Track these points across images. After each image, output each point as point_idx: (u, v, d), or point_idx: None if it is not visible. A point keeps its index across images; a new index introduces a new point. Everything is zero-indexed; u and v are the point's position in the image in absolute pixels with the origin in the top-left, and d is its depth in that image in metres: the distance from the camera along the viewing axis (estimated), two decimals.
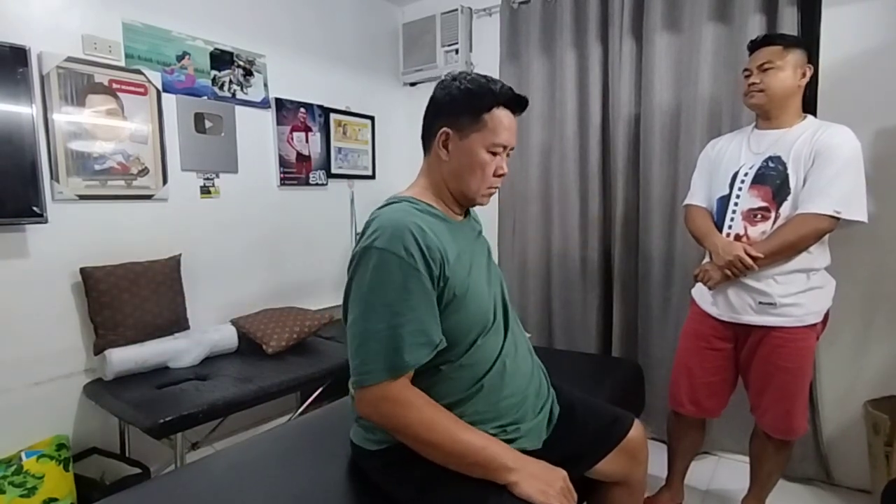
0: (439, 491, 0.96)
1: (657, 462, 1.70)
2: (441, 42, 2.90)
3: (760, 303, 1.46)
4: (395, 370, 0.90)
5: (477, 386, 1.01)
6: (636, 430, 1.17)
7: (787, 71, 1.45)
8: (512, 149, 1.08)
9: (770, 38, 1.50)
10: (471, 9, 2.85)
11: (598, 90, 2.38)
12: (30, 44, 1.67)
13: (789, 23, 1.88)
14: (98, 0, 1.91)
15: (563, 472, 0.97)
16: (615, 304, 2.39)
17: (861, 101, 1.84)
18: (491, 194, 1.09)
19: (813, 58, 1.84)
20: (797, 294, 1.44)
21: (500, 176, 1.06)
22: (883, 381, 1.87)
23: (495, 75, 2.59)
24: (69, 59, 1.82)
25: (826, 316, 1.51)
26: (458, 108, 1.02)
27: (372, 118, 3.04)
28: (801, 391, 1.50)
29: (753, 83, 1.49)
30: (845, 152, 1.38)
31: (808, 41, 1.77)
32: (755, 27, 1.94)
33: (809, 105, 1.91)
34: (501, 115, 1.02)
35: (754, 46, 1.52)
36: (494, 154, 1.03)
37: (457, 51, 2.85)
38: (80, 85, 1.86)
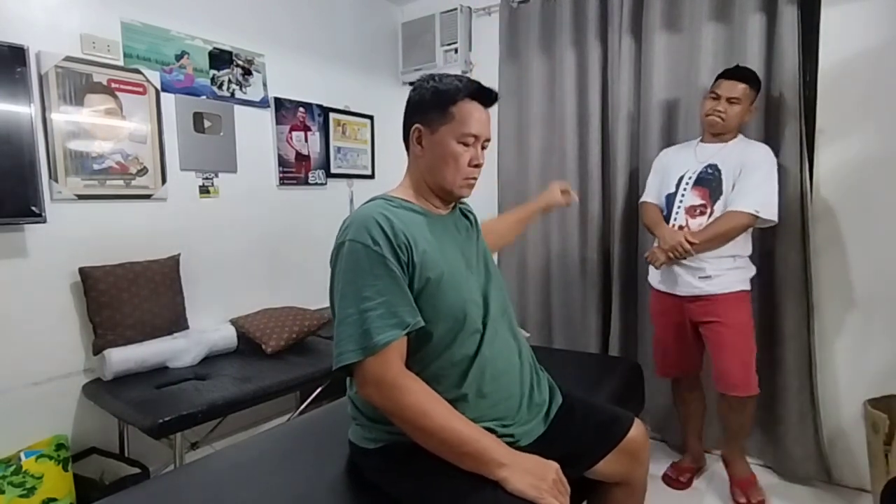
0: (435, 488, 0.97)
1: (657, 461, 1.71)
2: (440, 41, 2.90)
3: (699, 277, 1.79)
4: (366, 350, 0.93)
5: (463, 384, 1.02)
6: (637, 430, 1.16)
7: (745, 105, 1.77)
8: (487, 140, 1.11)
9: (744, 76, 1.76)
10: (470, 8, 2.85)
11: (598, 89, 2.38)
12: (28, 43, 1.67)
13: (789, 22, 1.88)
14: None
15: (556, 465, 0.97)
16: (614, 303, 2.39)
17: (860, 101, 1.84)
18: (470, 185, 1.11)
19: (811, 55, 1.91)
20: (726, 270, 1.78)
21: (476, 166, 1.09)
22: (882, 381, 1.87)
23: (495, 74, 2.66)
24: (68, 59, 1.82)
25: (749, 297, 1.82)
26: (428, 104, 1.07)
27: (371, 117, 3.03)
28: (745, 348, 1.78)
29: (718, 111, 1.77)
30: (765, 165, 1.74)
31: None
32: (755, 26, 1.94)
33: (808, 105, 1.92)
34: (469, 106, 1.06)
35: (728, 77, 1.77)
36: (466, 145, 1.07)
37: (456, 50, 2.85)
38: (79, 84, 1.85)
